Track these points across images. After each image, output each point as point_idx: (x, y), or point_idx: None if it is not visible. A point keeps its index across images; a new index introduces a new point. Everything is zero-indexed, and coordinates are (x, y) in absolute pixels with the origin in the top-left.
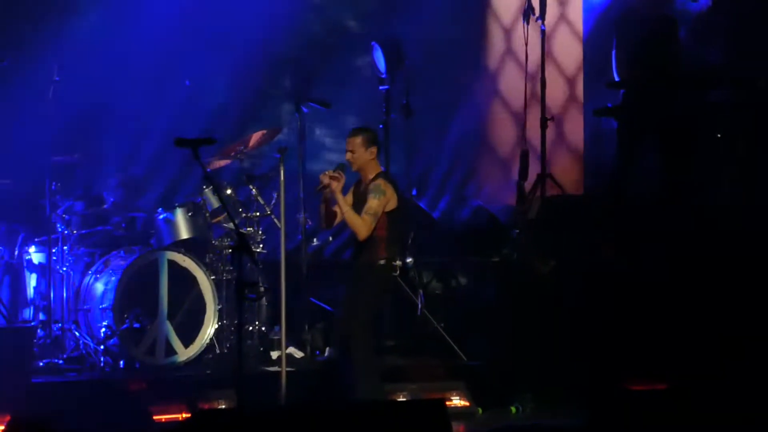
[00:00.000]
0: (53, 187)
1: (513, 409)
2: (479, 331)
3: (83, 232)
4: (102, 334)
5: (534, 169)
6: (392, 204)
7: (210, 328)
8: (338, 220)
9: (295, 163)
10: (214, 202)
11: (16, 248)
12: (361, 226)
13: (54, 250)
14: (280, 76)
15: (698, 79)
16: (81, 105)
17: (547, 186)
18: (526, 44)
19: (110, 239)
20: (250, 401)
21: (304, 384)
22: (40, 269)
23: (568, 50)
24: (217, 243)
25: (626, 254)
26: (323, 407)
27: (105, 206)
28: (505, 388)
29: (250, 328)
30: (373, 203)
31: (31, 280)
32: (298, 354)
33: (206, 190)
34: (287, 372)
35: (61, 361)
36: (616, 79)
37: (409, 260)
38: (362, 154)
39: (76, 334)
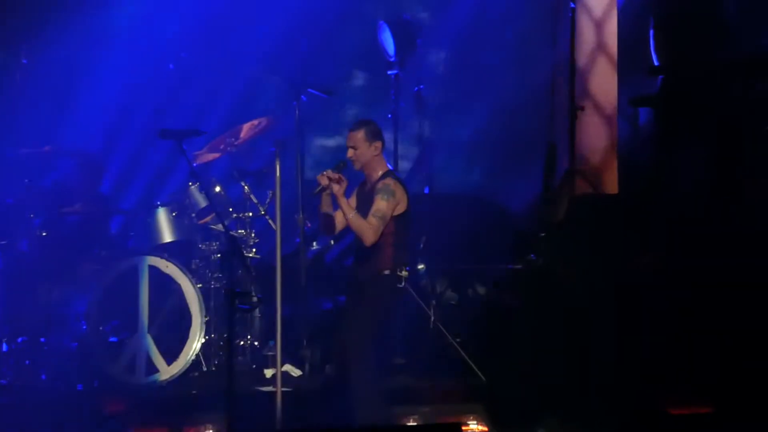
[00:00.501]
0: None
1: None
2: (499, 347)
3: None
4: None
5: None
6: (402, 207)
7: (196, 343)
8: (341, 226)
9: (293, 157)
10: (201, 201)
11: None
12: (368, 230)
13: None
14: (277, 59)
15: (749, 64)
16: (51, 92)
17: (576, 184)
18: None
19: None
20: (241, 425)
21: (302, 406)
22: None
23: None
24: (204, 247)
25: (665, 262)
26: None
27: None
28: (528, 411)
29: (242, 342)
30: (381, 205)
31: None
32: (295, 372)
33: (192, 187)
34: (283, 392)
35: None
36: (655, 63)
37: (420, 267)
38: (365, 150)
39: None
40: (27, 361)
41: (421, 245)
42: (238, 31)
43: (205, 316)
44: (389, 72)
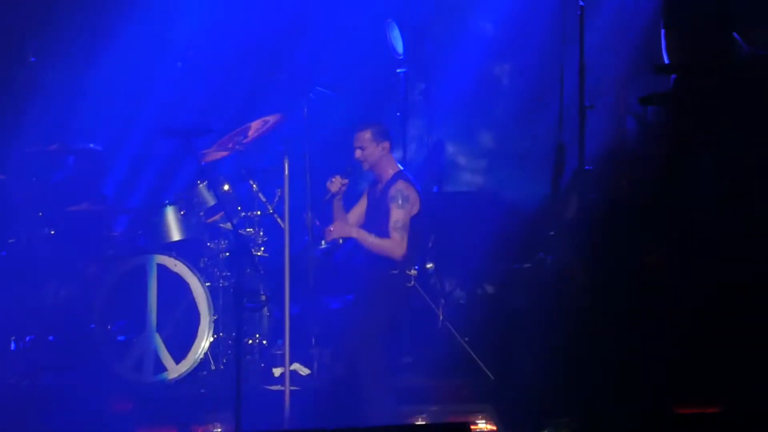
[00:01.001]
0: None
1: None
2: (508, 346)
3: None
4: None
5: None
6: (416, 208)
7: (204, 342)
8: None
9: (302, 155)
10: (210, 200)
11: None
12: (394, 247)
13: None
14: (285, 57)
15: (762, 62)
16: (58, 90)
17: (585, 183)
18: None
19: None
20: (249, 424)
21: (311, 405)
22: None
23: None
24: (212, 245)
25: (675, 262)
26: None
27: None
28: (538, 410)
29: (250, 341)
30: (399, 215)
31: None
32: (304, 371)
33: (201, 185)
34: (291, 391)
35: None
36: (666, 61)
37: (429, 266)
38: (373, 151)
39: None
40: (35, 360)
41: (430, 244)
42: (246, 28)
43: (214, 315)
44: (398, 70)
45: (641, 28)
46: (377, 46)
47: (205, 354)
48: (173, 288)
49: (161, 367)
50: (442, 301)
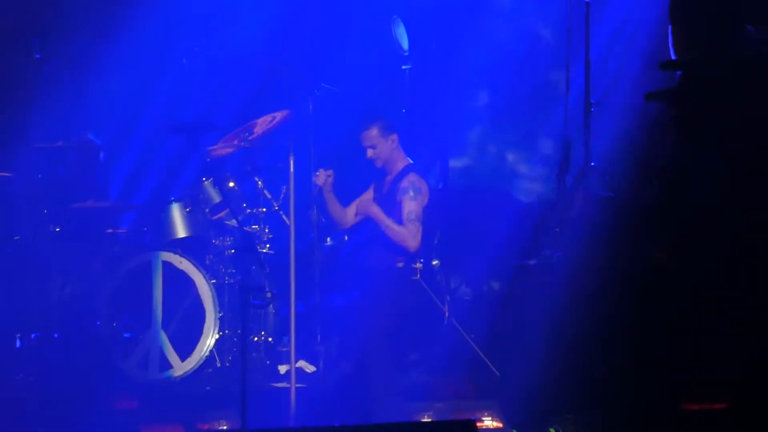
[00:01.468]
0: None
1: (552, 431)
2: (514, 343)
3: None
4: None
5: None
6: (426, 201)
7: (210, 339)
8: (353, 219)
9: (307, 152)
10: (215, 197)
11: None
12: (409, 237)
13: None
14: (290, 53)
15: None
16: (64, 87)
17: (591, 180)
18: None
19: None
20: (255, 422)
21: (316, 402)
22: None
23: None
24: (218, 242)
25: (682, 260)
26: (338, 429)
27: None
28: (544, 408)
29: (256, 338)
30: (412, 206)
31: None
32: (310, 368)
33: (206, 182)
34: (297, 388)
35: None
36: (672, 57)
37: (435, 262)
38: (384, 146)
39: None
40: (40, 357)
41: (436, 240)
42: (251, 24)
43: (219, 312)
44: (403, 67)
45: (648, 23)
46: (383, 42)
47: (211, 351)
48: (179, 285)
49: (167, 365)
50: (448, 298)
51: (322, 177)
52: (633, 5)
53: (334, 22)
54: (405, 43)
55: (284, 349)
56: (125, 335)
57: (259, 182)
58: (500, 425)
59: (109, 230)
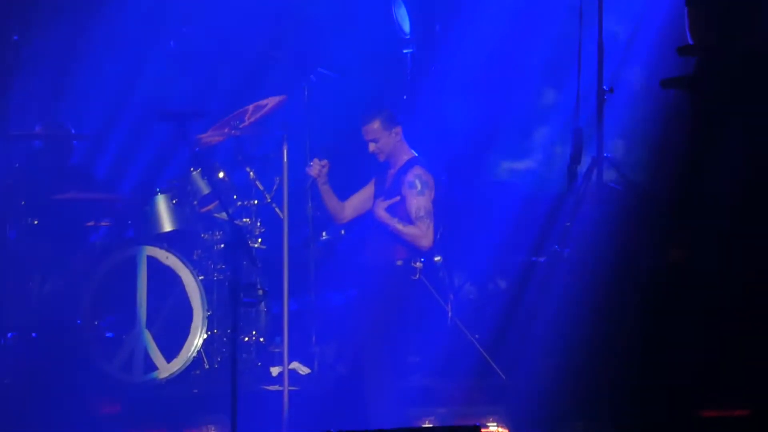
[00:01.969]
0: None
1: None
2: (521, 345)
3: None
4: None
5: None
6: (433, 194)
7: (197, 339)
8: (351, 214)
9: (302, 141)
10: (204, 188)
11: None
12: (420, 235)
13: None
14: (285, 36)
15: None
16: (45, 71)
17: (604, 172)
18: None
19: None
20: (245, 427)
21: (311, 406)
22: None
23: None
24: (206, 237)
25: (701, 258)
26: None
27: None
28: (552, 413)
29: (246, 338)
30: (420, 202)
31: None
32: (304, 370)
33: (194, 173)
34: (290, 392)
35: None
36: (690, 41)
37: (437, 259)
38: (387, 139)
39: None
40: (17, 358)
41: (438, 235)
42: (243, 5)
43: (208, 311)
44: (405, 50)
45: (663, 4)
46: (383, 24)
47: (198, 352)
48: (164, 282)
49: (151, 366)
50: (451, 296)
51: (316, 167)
52: None
53: (330, 2)
54: (406, 26)
55: (277, 350)
56: (108, 335)
57: (251, 173)
58: (506, 431)
59: (91, 223)
